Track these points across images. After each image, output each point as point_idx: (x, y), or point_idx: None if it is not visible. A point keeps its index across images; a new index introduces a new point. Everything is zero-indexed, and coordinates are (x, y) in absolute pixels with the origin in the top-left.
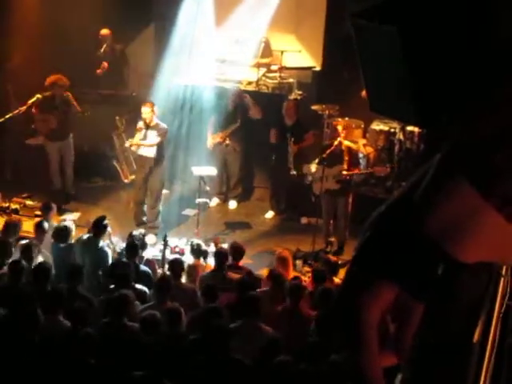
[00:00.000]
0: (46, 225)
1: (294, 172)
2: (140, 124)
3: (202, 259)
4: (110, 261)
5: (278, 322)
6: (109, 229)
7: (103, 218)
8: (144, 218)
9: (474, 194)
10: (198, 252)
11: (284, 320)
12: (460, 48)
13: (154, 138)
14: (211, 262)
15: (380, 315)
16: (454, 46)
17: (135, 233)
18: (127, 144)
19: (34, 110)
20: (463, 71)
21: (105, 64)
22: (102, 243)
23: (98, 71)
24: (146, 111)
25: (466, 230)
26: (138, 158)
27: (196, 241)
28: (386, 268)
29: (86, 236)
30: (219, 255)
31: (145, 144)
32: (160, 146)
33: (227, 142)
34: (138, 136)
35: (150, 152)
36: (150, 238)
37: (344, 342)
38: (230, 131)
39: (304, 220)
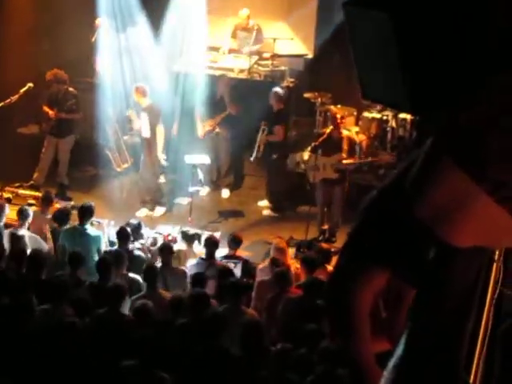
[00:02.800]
0: (29, 211)
1: (252, 157)
2: (129, 111)
3: (193, 246)
4: (103, 245)
5: (269, 308)
6: (101, 220)
7: (88, 204)
8: (148, 198)
9: (465, 179)
10: (188, 237)
11: (274, 306)
12: (452, 36)
13: (146, 118)
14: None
15: (372, 300)
16: (446, 34)
17: (132, 221)
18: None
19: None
20: (455, 59)
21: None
22: (89, 229)
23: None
24: (138, 95)
25: (457, 215)
26: (142, 140)
27: (185, 228)
28: (378, 253)
29: (72, 224)
30: (209, 243)
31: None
32: (153, 125)
33: (217, 130)
34: (135, 121)
35: (146, 133)
36: (158, 211)
37: (335, 328)
38: (219, 119)
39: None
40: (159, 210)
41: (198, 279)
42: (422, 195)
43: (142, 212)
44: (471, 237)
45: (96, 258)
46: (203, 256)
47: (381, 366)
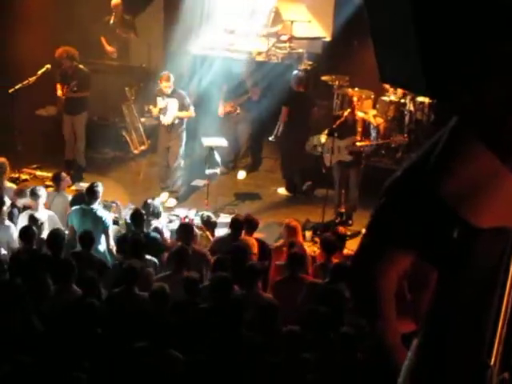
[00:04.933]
0: (40, 192)
1: (270, 138)
2: (159, 101)
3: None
4: (111, 223)
5: (282, 291)
6: (117, 202)
7: (95, 184)
8: (168, 182)
9: (491, 158)
10: (207, 223)
11: (287, 289)
12: (472, 13)
13: (175, 104)
14: (219, 232)
15: (397, 281)
16: (464, 14)
17: (150, 201)
18: (165, 121)
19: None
20: (474, 37)
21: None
22: (97, 208)
23: (110, 50)
24: (164, 85)
25: (481, 194)
26: (162, 125)
27: (206, 213)
28: (402, 234)
29: (80, 205)
30: (235, 224)
31: (181, 115)
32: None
33: (238, 111)
34: (159, 107)
35: (173, 119)
36: (170, 202)
37: (361, 308)
38: (240, 101)
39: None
40: (172, 202)
41: (222, 262)
42: (447, 175)
43: (164, 196)
44: (494, 217)
45: (102, 238)
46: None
47: (406, 345)
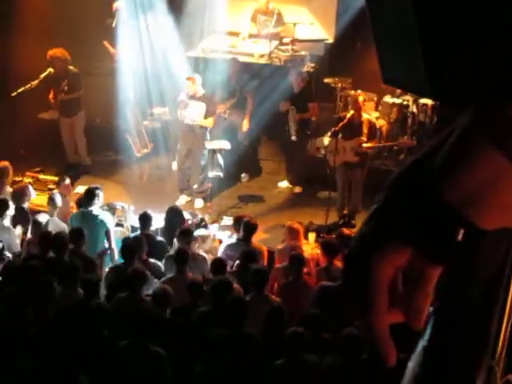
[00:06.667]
0: (57, 198)
1: (294, 137)
2: (181, 96)
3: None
4: (112, 225)
5: (286, 295)
6: (123, 204)
7: (93, 186)
8: (187, 185)
9: (503, 161)
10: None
11: (291, 292)
12: (477, 15)
13: (202, 107)
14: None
15: (392, 274)
16: (471, 14)
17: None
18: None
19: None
20: (481, 39)
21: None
22: (97, 210)
23: (113, 52)
24: (188, 85)
25: (488, 197)
26: (184, 126)
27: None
28: (402, 230)
29: (80, 209)
30: (248, 226)
31: (200, 122)
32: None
33: (226, 115)
34: (183, 108)
35: (198, 120)
36: (198, 203)
37: (353, 297)
38: (228, 105)
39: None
40: (199, 203)
41: (219, 266)
42: (452, 175)
43: (182, 199)
44: (501, 219)
45: (105, 241)
46: (240, 237)
47: (394, 338)
